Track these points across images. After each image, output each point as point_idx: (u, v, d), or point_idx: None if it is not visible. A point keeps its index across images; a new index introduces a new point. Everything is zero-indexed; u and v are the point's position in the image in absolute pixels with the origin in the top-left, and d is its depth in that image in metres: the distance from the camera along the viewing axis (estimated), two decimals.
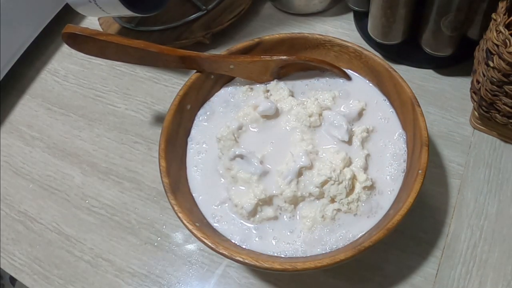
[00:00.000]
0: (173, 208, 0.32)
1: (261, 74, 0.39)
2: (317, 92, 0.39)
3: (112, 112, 0.49)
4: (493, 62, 0.34)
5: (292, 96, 0.39)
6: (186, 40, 0.50)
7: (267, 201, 0.33)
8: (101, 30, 0.54)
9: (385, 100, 0.38)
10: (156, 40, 0.51)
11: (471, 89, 0.40)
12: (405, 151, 0.35)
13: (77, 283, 0.39)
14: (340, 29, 0.52)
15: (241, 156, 0.34)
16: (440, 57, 0.45)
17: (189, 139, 0.38)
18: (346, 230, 0.32)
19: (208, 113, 0.39)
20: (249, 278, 0.38)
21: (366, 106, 0.38)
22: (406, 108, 0.35)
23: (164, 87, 0.50)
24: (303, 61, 0.39)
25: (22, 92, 0.53)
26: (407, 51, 0.47)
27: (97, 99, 0.50)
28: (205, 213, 0.34)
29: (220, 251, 0.30)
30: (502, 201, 0.39)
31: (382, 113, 0.37)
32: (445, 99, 0.45)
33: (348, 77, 0.39)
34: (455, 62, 0.46)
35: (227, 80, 0.41)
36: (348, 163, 0.34)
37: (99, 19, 0.55)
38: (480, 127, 0.42)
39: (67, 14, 0.56)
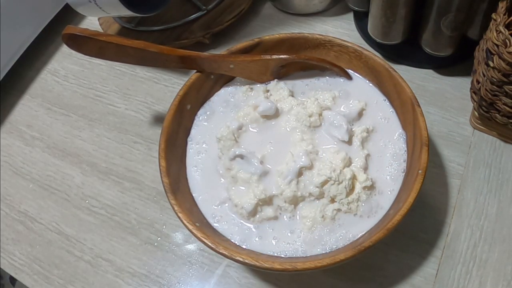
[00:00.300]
0: (173, 208, 0.32)
1: (261, 73, 0.39)
2: (317, 92, 0.39)
3: (112, 112, 0.49)
4: (493, 62, 0.34)
5: (292, 96, 0.39)
6: (186, 40, 0.50)
7: (267, 201, 0.33)
8: (101, 30, 0.54)
9: (385, 100, 0.38)
10: (156, 40, 0.51)
11: (471, 89, 0.40)
12: (405, 151, 0.35)
13: (77, 283, 0.39)
14: (340, 29, 0.52)
15: (241, 156, 0.34)
16: (440, 57, 0.45)
17: (189, 139, 0.38)
18: (346, 230, 0.32)
19: (208, 113, 0.39)
20: (249, 278, 0.38)
21: (366, 106, 0.38)
22: (406, 108, 0.35)
23: (164, 87, 0.50)
24: (302, 60, 0.39)
25: (22, 92, 0.53)
26: (407, 51, 0.47)
27: (97, 99, 0.50)
28: (205, 213, 0.34)
29: (220, 251, 0.30)
30: (502, 201, 0.39)
31: (382, 113, 0.37)
32: (445, 99, 0.45)
33: (348, 76, 0.39)
34: (455, 62, 0.46)
35: (227, 80, 0.41)
36: (348, 163, 0.34)
37: (99, 19, 0.55)
38: (480, 127, 0.42)
39: (67, 14, 0.56)
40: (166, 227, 0.41)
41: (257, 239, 0.33)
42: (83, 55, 0.37)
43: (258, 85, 0.40)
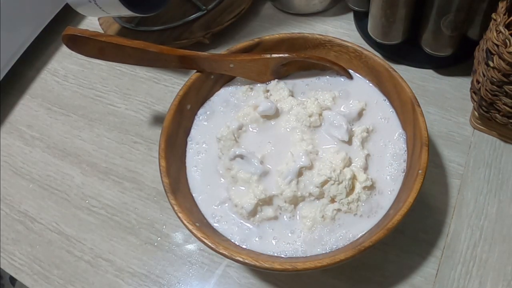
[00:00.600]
0: (173, 208, 0.32)
1: (261, 73, 0.39)
2: (317, 92, 0.39)
3: (112, 112, 0.49)
4: (493, 62, 0.34)
5: (292, 96, 0.39)
6: (186, 40, 0.50)
7: (267, 201, 0.33)
8: (101, 30, 0.54)
9: (385, 100, 0.38)
10: (156, 40, 0.51)
11: (471, 89, 0.40)
12: (405, 151, 0.35)
13: (77, 283, 0.39)
14: (340, 29, 0.52)
15: (241, 156, 0.34)
16: (440, 57, 0.45)
17: (189, 139, 0.38)
18: (346, 230, 0.32)
19: (208, 112, 0.39)
20: (249, 278, 0.38)
21: (366, 106, 0.38)
22: (406, 108, 0.35)
23: (164, 87, 0.50)
24: (302, 59, 0.39)
25: (22, 92, 0.53)
26: (407, 51, 0.47)
27: (97, 99, 0.50)
28: (205, 213, 0.34)
29: (220, 251, 0.30)
30: (502, 201, 0.39)
31: (382, 113, 0.37)
32: (445, 99, 0.45)
33: (349, 74, 0.39)
34: (455, 62, 0.46)
35: (227, 80, 0.41)
36: (348, 163, 0.34)
37: (99, 19, 0.55)
38: (480, 127, 0.42)
39: (67, 14, 0.56)
40: (166, 227, 0.41)
41: (257, 239, 0.33)
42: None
43: (258, 85, 0.40)
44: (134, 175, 0.44)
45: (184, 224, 0.31)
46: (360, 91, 0.39)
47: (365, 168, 0.35)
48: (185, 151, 0.37)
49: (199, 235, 0.30)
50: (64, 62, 0.54)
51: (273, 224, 0.33)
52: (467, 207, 0.39)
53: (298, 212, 0.34)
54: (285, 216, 0.34)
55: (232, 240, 0.33)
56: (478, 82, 0.38)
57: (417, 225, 0.38)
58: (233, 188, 0.35)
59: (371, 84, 0.39)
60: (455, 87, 0.45)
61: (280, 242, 0.33)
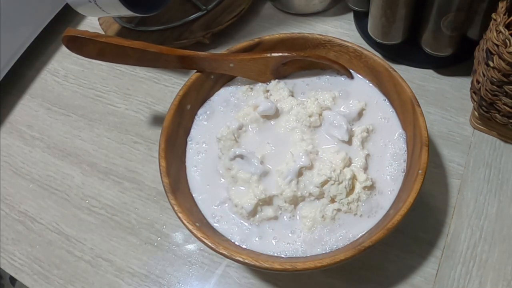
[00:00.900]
0: (173, 208, 0.32)
1: (261, 72, 0.39)
2: (317, 92, 0.39)
3: (112, 112, 0.49)
4: (493, 62, 0.34)
5: (292, 96, 0.39)
6: (186, 40, 0.50)
7: (267, 201, 0.33)
8: (101, 30, 0.54)
9: (385, 100, 0.38)
10: (156, 40, 0.51)
11: (471, 89, 0.40)
12: (405, 151, 0.35)
13: (77, 283, 0.39)
14: (340, 29, 0.52)
15: (241, 156, 0.34)
16: (440, 57, 0.45)
17: (188, 138, 0.38)
18: (346, 230, 0.32)
19: (208, 112, 0.39)
20: (249, 278, 0.38)
21: (366, 106, 0.38)
22: (406, 108, 0.35)
23: (164, 87, 0.50)
24: (302, 57, 0.39)
25: (22, 92, 0.53)
26: (407, 51, 0.47)
27: (97, 99, 0.50)
28: (205, 213, 0.34)
29: (220, 251, 0.30)
30: (502, 201, 0.39)
31: (382, 113, 0.37)
32: (445, 99, 0.45)
33: (349, 73, 0.39)
34: (455, 62, 0.46)
35: (227, 80, 0.41)
36: (348, 163, 0.34)
37: (99, 19, 0.55)
38: (480, 127, 0.42)
39: (67, 14, 0.56)
40: (166, 227, 0.41)
41: (257, 239, 0.33)
42: None
43: (258, 85, 0.40)
44: (134, 175, 0.44)
45: (184, 224, 0.31)
46: (360, 91, 0.39)
47: (365, 168, 0.35)
48: (185, 151, 0.38)
49: (199, 235, 0.30)
50: (64, 62, 0.54)
51: (273, 224, 0.33)
52: (467, 207, 0.39)
53: (298, 212, 0.34)
54: (285, 216, 0.34)
55: (232, 240, 0.33)
56: (478, 82, 0.38)
57: (417, 225, 0.38)
58: (233, 188, 0.35)
59: (371, 84, 0.39)
60: (455, 87, 0.45)
61: (280, 242, 0.33)
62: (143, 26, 0.52)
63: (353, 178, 0.33)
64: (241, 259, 0.29)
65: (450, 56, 0.44)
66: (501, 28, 0.33)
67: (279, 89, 0.39)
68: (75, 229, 0.42)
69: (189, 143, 0.38)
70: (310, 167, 0.34)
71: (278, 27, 0.53)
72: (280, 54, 0.38)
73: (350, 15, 0.53)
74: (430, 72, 0.47)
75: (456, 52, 0.44)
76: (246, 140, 0.37)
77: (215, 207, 0.35)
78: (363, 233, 0.32)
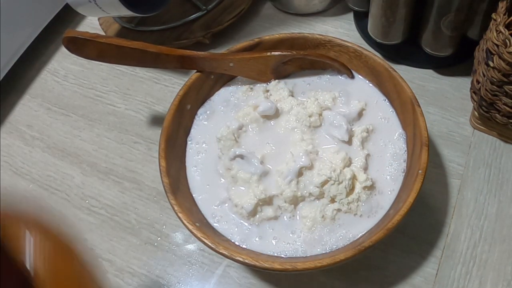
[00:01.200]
0: (173, 208, 0.32)
1: (261, 71, 0.39)
2: (317, 92, 0.39)
3: (112, 112, 0.49)
4: (493, 62, 0.34)
5: (292, 96, 0.39)
6: (186, 40, 0.50)
7: (267, 201, 0.33)
8: (101, 30, 0.54)
9: (385, 100, 0.38)
10: (156, 40, 0.51)
11: (471, 89, 0.40)
12: (405, 151, 0.35)
13: None
14: (340, 29, 0.52)
15: (241, 156, 0.34)
16: (440, 57, 0.45)
17: (188, 138, 0.38)
18: (346, 230, 0.32)
19: (208, 112, 0.39)
20: (249, 278, 0.38)
21: (366, 106, 0.38)
22: (406, 108, 0.35)
23: (164, 87, 0.50)
24: (302, 56, 0.39)
25: (22, 92, 0.53)
26: (407, 51, 0.47)
27: (97, 99, 0.50)
28: (205, 213, 0.34)
29: (220, 251, 0.30)
30: (502, 201, 0.39)
31: (382, 113, 0.37)
32: (445, 99, 0.45)
33: (350, 72, 0.39)
34: (455, 62, 0.46)
35: (228, 79, 0.41)
36: (348, 163, 0.34)
37: (99, 19, 0.55)
38: (480, 127, 0.42)
39: (67, 14, 0.56)
40: (166, 227, 0.41)
41: (257, 239, 0.33)
42: None
43: (258, 85, 0.40)
44: (134, 175, 0.44)
45: (184, 224, 0.31)
46: (360, 91, 0.39)
47: (365, 168, 0.35)
48: (185, 151, 0.38)
49: (199, 235, 0.30)
50: (64, 62, 0.54)
51: (273, 224, 0.33)
52: (467, 207, 0.39)
53: (298, 212, 0.34)
54: (285, 216, 0.34)
55: (232, 240, 0.33)
56: (478, 82, 0.38)
57: (417, 225, 0.38)
58: (233, 188, 0.35)
59: (371, 84, 0.39)
60: (455, 87, 0.45)
61: (280, 242, 0.33)
62: (143, 26, 0.52)
63: (353, 178, 0.33)
64: (241, 259, 0.29)
65: (450, 56, 0.44)
66: (501, 28, 0.33)
67: (279, 89, 0.39)
68: (75, 229, 0.42)
69: (189, 143, 0.38)
70: (310, 167, 0.34)
71: (278, 27, 0.53)
72: (280, 52, 0.38)
73: (350, 15, 0.53)
74: (430, 72, 0.47)
75: (456, 52, 0.44)
76: (246, 140, 0.37)
77: (215, 207, 0.35)
78: (363, 233, 0.32)
